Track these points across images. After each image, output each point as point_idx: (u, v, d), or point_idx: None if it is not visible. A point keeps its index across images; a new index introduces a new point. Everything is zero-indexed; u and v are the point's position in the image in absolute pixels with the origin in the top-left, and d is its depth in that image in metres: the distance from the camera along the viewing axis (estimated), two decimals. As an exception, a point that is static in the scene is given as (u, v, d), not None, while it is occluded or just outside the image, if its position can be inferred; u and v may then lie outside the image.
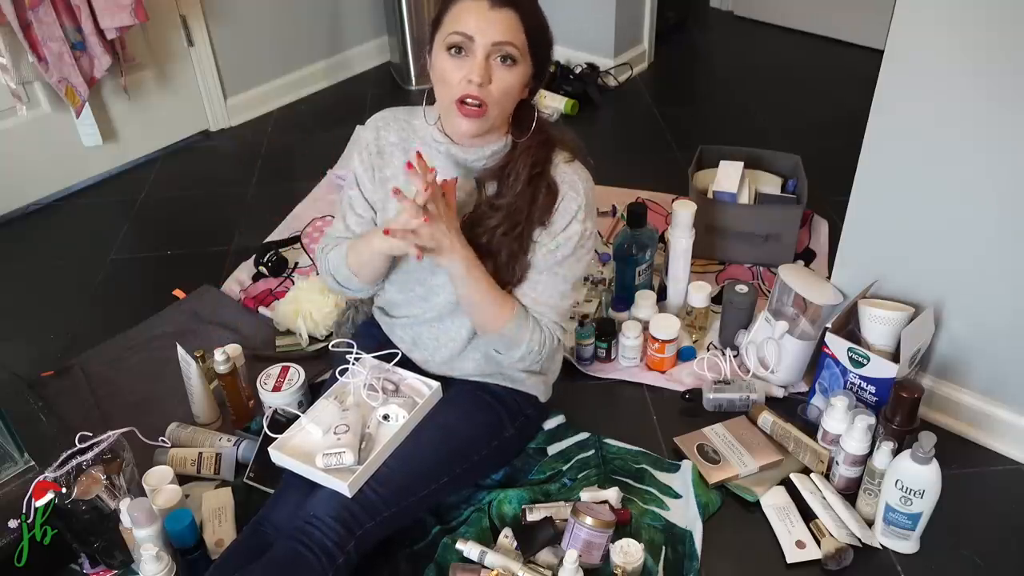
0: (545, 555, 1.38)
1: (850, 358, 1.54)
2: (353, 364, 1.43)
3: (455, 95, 1.22)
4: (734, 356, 1.79)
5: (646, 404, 1.73)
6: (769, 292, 1.82)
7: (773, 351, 1.68)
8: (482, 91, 1.21)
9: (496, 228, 1.31)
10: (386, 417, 1.39)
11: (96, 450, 1.35)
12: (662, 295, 1.94)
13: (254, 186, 2.57)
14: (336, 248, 1.41)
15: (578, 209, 1.33)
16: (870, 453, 1.42)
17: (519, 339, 1.34)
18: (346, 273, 1.40)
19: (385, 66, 3.30)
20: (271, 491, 1.42)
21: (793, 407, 1.68)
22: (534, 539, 1.38)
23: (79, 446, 1.35)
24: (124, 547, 1.37)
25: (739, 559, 1.41)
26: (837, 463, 1.48)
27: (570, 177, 1.33)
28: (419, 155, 1.24)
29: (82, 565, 1.40)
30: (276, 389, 1.59)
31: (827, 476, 1.52)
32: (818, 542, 1.40)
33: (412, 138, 1.37)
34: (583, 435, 1.62)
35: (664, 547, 1.41)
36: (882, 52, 1.44)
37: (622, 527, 1.42)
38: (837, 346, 1.56)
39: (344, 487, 1.26)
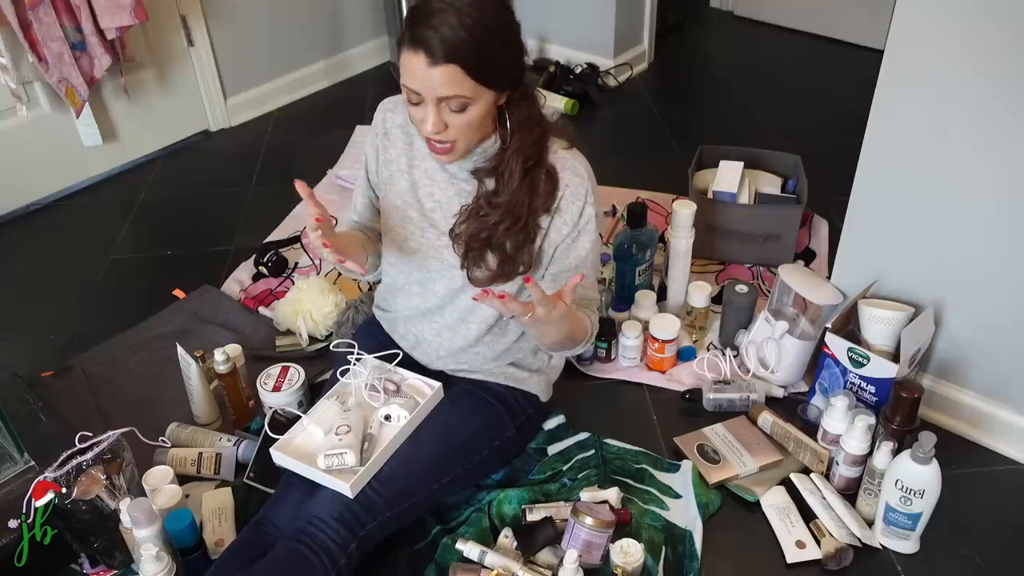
0: (545, 555, 1.38)
1: (850, 358, 1.54)
2: (354, 364, 1.43)
3: (421, 134, 1.26)
4: (734, 356, 1.79)
5: (646, 404, 1.73)
6: (769, 292, 1.82)
7: (773, 351, 1.68)
8: (442, 135, 1.22)
9: (498, 224, 1.31)
10: (388, 417, 1.39)
11: (96, 450, 1.35)
12: (662, 295, 1.94)
13: (254, 186, 2.57)
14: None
15: (587, 192, 1.33)
16: (870, 453, 1.42)
17: (588, 339, 1.40)
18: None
19: (385, 66, 3.30)
20: (271, 491, 1.42)
21: (793, 407, 1.68)
22: (534, 539, 1.38)
23: (79, 446, 1.35)
24: (124, 547, 1.37)
25: (739, 559, 1.41)
26: (837, 463, 1.48)
27: (571, 163, 1.33)
28: (302, 184, 1.22)
29: (82, 565, 1.40)
30: (276, 389, 1.59)
31: (827, 476, 1.52)
32: (818, 542, 1.40)
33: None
34: (583, 435, 1.62)
35: (664, 547, 1.41)
36: (882, 52, 1.44)
37: (622, 527, 1.42)
38: (837, 346, 1.56)
39: (346, 488, 1.26)
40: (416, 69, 1.17)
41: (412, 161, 1.39)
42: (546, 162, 1.32)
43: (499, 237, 1.32)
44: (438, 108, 1.19)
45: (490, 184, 1.33)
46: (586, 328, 1.38)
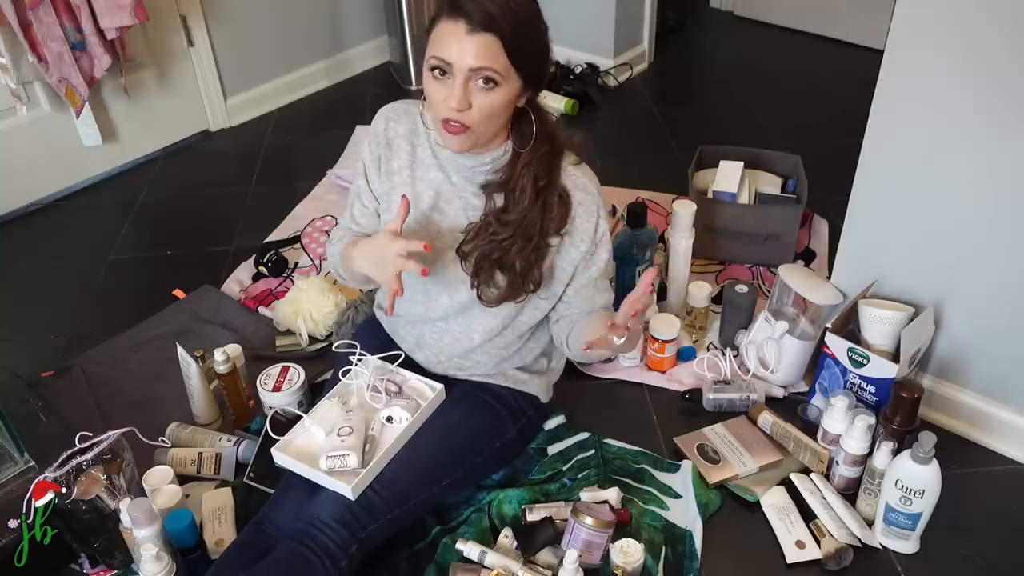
0: (545, 555, 1.38)
1: (850, 358, 1.54)
2: (356, 365, 1.43)
3: (439, 115, 1.22)
4: (734, 356, 1.79)
5: (646, 404, 1.73)
6: (769, 292, 1.82)
7: (773, 351, 1.68)
8: (463, 115, 1.19)
9: (510, 246, 1.30)
10: (389, 419, 1.39)
11: (96, 450, 1.35)
12: (662, 295, 1.94)
13: (254, 186, 2.56)
14: (339, 242, 1.43)
15: (598, 208, 1.35)
16: (870, 453, 1.42)
17: None
18: (341, 273, 1.43)
19: (385, 66, 3.30)
20: (271, 491, 1.42)
21: (793, 407, 1.68)
22: (534, 539, 1.38)
23: (79, 446, 1.35)
24: (124, 547, 1.37)
25: (739, 559, 1.41)
26: (837, 463, 1.48)
27: (581, 181, 1.34)
28: (405, 199, 1.25)
29: (82, 565, 1.40)
30: (276, 389, 1.60)
31: (827, 476, 1.52)
32: (818, 542, 1.40)
33: (420, 132, 1.36)
34: (583, 435, 1.62)
35: (664, 547, 1.41)
36: (882, 52, 1.44)
37: (622, 527, 1.42)
38: (837, 346, 1.56)
39: (347, 490, 1.26)
40: (452, 37, 1.15)
41: (415, 172, 1.36)
42: (558, 184, 1.31)
43: (510, 257, 1.31)
44: (466, 83, 1.17)
45: (499, 200, 1.32)
46: None
